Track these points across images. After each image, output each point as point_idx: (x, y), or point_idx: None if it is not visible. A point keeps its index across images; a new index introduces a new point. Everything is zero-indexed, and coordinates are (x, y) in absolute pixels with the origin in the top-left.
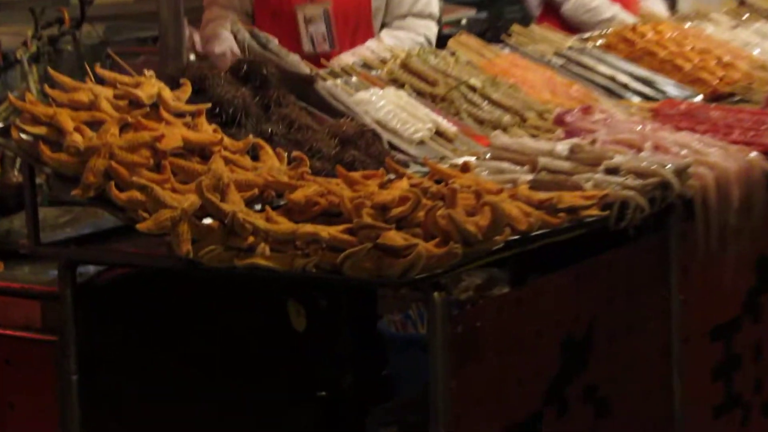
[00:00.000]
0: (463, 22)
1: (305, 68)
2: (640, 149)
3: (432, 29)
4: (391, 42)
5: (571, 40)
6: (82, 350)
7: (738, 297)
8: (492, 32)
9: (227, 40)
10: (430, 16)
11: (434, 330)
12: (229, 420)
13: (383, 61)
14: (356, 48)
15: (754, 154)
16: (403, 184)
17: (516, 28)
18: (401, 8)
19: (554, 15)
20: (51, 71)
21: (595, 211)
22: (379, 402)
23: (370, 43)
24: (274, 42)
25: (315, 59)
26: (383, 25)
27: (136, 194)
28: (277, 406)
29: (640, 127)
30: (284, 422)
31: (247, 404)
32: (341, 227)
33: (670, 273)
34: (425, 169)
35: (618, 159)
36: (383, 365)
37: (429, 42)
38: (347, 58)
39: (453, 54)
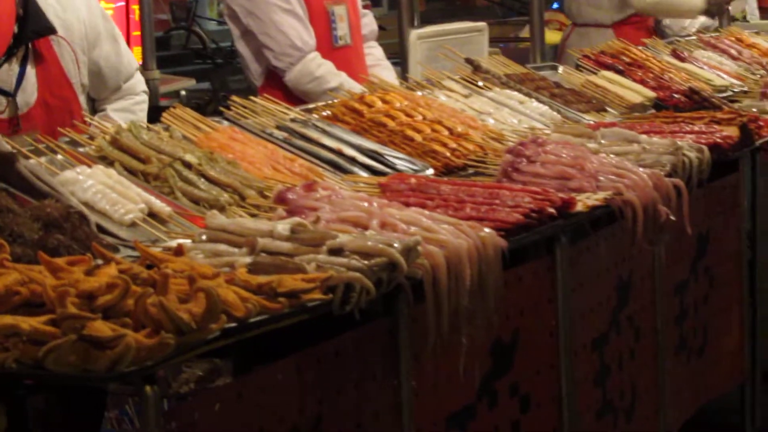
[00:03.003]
0: (182, 93)
1: (6, 146)
2: (366, 227)
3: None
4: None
5: (295, 112)
6: None
7: (472, 383)
8: (215, 104)
9: None
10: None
11: (147, 427)
12: None
13: (91, 138)
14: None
15: (487, 230)
16: (111, 270)
17: (235, 99)
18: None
19: (278, 85)
20: None
21: (317, 295)
22: None
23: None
24: None
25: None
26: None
27: None
28: None
29: (367, 203)
30: None
31: None
32: (44, 318)
33: (400, 359)
34: (137, 254)
35: (342, 238)
36: None
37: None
38: None
39: (167, 129)
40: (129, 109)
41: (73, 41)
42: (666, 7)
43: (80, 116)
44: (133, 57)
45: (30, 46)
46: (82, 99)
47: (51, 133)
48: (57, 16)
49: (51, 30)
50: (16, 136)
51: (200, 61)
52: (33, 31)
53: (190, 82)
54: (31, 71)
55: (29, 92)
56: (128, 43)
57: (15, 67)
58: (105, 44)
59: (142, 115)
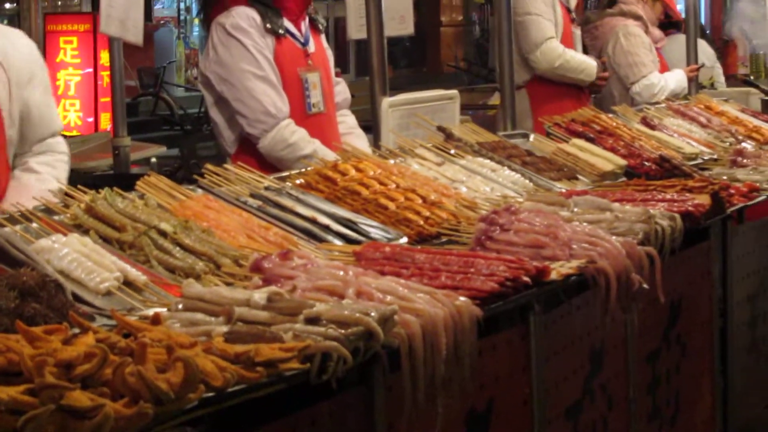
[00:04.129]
0: (153, 160)
1: None
2: (342, 296)
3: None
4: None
5: (269, 180)
6: None
7: None
8: (185, 171)
9: None
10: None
11: None
12: None
13: (66, 206)
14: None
15: (462, 299)
16: (89, 339)
17: (209, 167)
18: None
19: (251, 152)
20: None
21: (295, 364)
22: None
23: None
24: None
25: None
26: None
27: None
28: None
29: (342, 272)
30: None
31: None
32: (21, 388)
33: (376, 428)
34: (113, 322)
35: (319, 307)
36: None
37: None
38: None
39: (142, 197)
40: (52, 164)
41: (10, 70)
42: (566, 72)
43: (6, 156)
44: (59, 118)
45: None
46: (11, 133)
47: None
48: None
49: None
50: None
51: (168, 127)
52: None
53: (161, 149)
54: None
55: None
56: (96, 109)
57: None
58: (38, 89)
59: (63, 172)
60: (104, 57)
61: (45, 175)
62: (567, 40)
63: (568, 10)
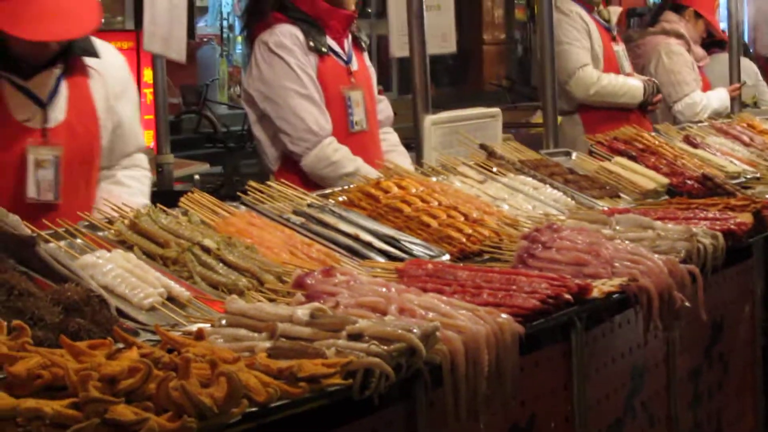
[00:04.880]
0: (196, 177)
1: (25, 230)
2: (384, 313)
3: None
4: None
5: (311, 197)
6: None
7: None
8: (228, 188)
9: None
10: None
11: None
12: None
13: (111, 222)
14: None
15: (504, 316)
16: (133, 354)
17: (252, 184)
18: (130, 144)
19: (294, 170)
20: None
21: (337, 380)
22: None
23: (120, 192)
24: None
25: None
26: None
27: None
28: None
29: (385, 289)
30: None
31: None
32: (66, 402)
33: None
34: (156, 338)
35: (362, 324)
36: None
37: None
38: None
39: (185, 213)
40: (139, 179)
41: (107, 83)
42: (603, 98)
43: (97, 166)
44: (143, 134)
45: (69, 65)
46: (103, 143)
47: (70, 160)
48: (101, 53)
49: (95, 54)
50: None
51: (211, 145)
52: (80, 47)
53: (204, 167)
54: (64, 89)
55: (59, 109)
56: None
57: (52, 80)
58: (129, 103)
59: (147, 188)
60: (147, 74)
61: (134, 190)
62: (610, 59)
63: (607, 29)
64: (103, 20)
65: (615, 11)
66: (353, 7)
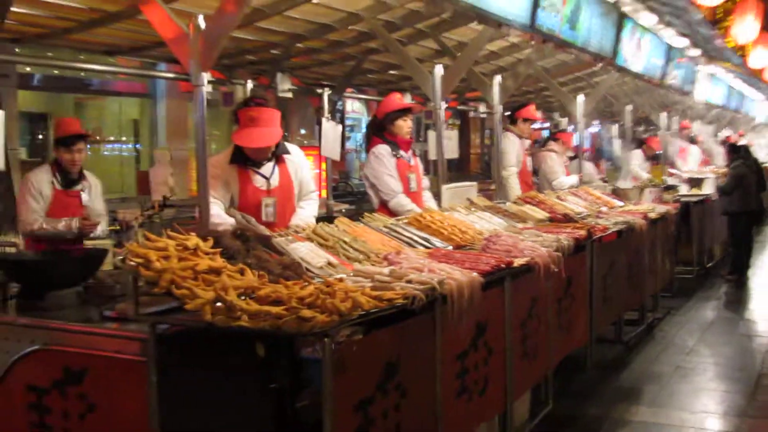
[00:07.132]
0: (342, 211)
1: (265, 231)
2: (421, 270)
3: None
4: (311, 208)
5: (392, 221)
6: (158, 366)
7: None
8: (355, 216)
9: (220, 217)
10: (314, 192)
11: (325, 356)
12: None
13: (304, 228)
14: (295, 217)
15: (474, 273)
16: (311, 287)
17: (367, 214)
18: (307, 189)
19: (384, 208)
20: (146, 233)
21: (400, 300)
22: (302, 388)
23: (301, 212)
24: (252, 219)
25: (268, 225)
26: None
27: (185, 291)
28: (252, 392)
29: (423, 261)
30: (253, 402)
31: (241, 390)
32: (282, 308)
33: (435, 333)
34: (321, 280)
35: (411, 276)
36: (303, 371)
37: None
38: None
39: (336, 226)
40: (310, 205)
41: (295, 163)
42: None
43: (293, 207)
44: (314, 184)
45: (278, 158)
46: (296, 192)
47: (281, 202)
48: (291, 151)
49: (288, 152)
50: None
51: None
52: (281, 149)
53: (345, 206)
54: (276, 169)
55: (275, 179)
56: (319, 188)
57: (272, 165)
58: (305, 171)
59: (313, 210)
60: (323, 165)
61: (306, 211)
62: (524, 164)
63: (524, 146)
64: (305, 141)
65: (527, 141)
66: (408, 137)
